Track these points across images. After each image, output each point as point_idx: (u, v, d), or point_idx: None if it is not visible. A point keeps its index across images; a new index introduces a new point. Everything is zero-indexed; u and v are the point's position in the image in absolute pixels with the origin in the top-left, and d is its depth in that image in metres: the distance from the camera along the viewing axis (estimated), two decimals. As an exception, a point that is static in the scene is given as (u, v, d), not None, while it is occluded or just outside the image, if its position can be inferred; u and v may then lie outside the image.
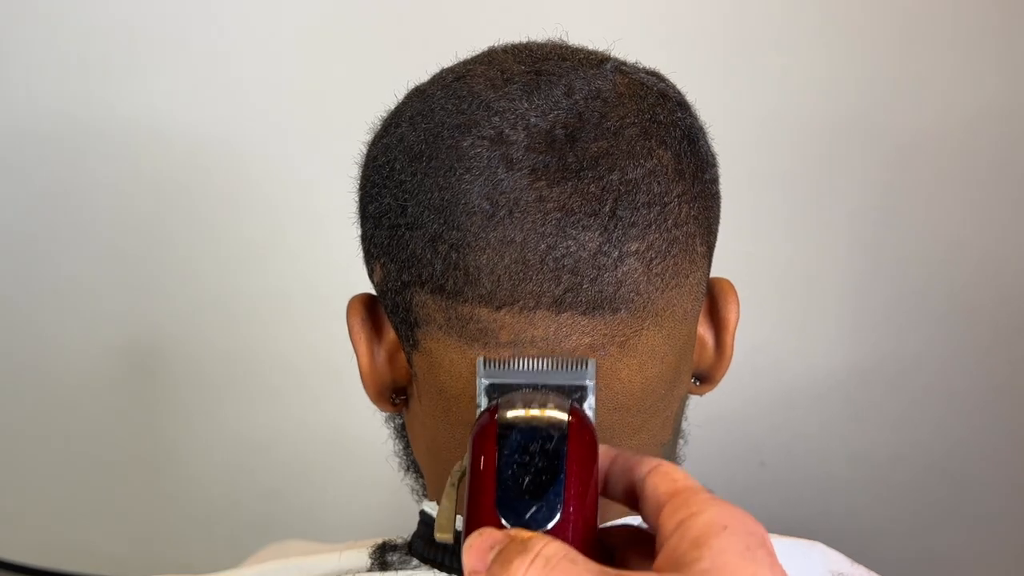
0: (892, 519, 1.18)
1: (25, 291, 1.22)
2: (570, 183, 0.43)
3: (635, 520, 0.43)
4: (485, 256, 0.44)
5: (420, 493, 0.57)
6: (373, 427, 0.62)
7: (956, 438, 1.16)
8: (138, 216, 1.19)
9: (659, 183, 0.45)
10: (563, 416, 0.37)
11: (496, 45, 0.50)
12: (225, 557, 0.73)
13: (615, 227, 0.44)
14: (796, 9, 1.07)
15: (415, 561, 0.50)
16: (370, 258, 0.49)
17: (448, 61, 0.51)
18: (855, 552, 0.56)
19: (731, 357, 0.52)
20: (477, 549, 0.34)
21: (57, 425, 1.26)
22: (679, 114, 0.48)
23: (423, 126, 0.46)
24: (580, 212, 0.43)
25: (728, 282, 0.52)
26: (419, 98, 0.49)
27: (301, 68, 1.14)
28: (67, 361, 1.23)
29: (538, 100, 0.45)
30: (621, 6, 1.09)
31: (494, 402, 0.40)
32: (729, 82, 1.08)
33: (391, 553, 0.51)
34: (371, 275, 0.50)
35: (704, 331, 0.51)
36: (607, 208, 0.43)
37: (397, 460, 0.58)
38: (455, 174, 0.44)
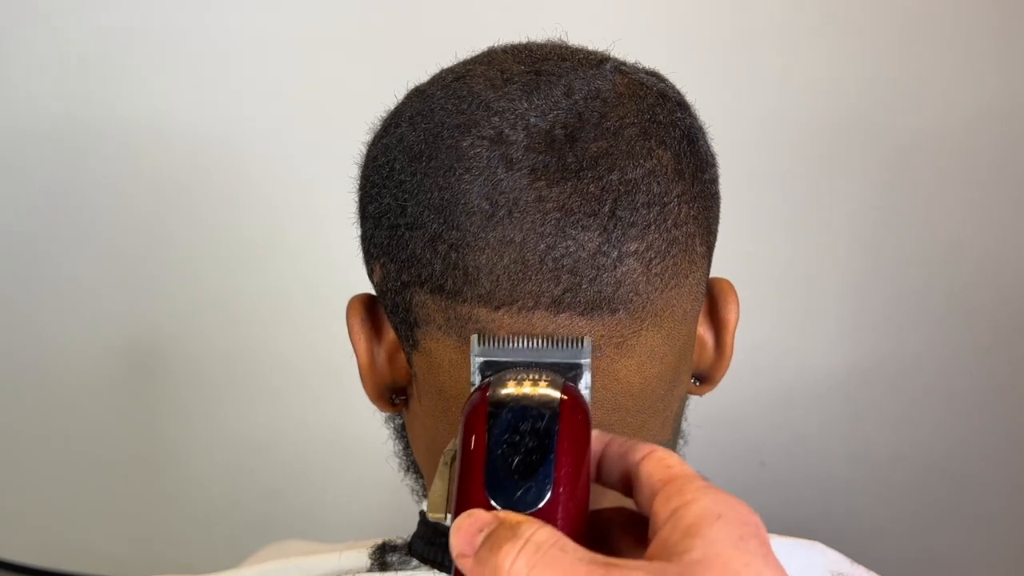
0: (892, 519, 1.18)
1: (25, 291, 1.22)
2: (569, 183, 0.43)
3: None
4: (484, 256, 0.44)
5: (420, 493, 0.57)
6: (373, 427, 0.62)
7: (956, 438, 1.16)
8: (138, 216, 1.19)
9: (659, 183, 0.45)
10: (555, 394, 0.37)
11: (496, 45, 0.50)
12: (225, 557, 0.73)
13: (614, 227, 0.43)
14: (796, 9, 1.07)
15: (415, 562, 0.50)
16: (370, 258, 0.49)
17: (448, 61, 0.51)
18: (855, 552, 0.56)
19: (731, 357, 0.52)
20: (465, 531, 0.33)
21: (57, 425, 1.26)
22: (679, 114, 0.48)
23: (423, 126, 0.46)
24: (579, 212, 0.43)
25: (728, 282, 0.52)
26: (419, 98, 0.49)
27: (301, 68, 1.14)
28: (67, 361, 1.23)
29: (538, 100, 0.45)
30: (621, 6, 1.09)
31: (486, 380, 0.39)
32: (729, 82, 1.08)
33: (391, 553, 0.51)
34: (371, 275, 0.50)
35: (704, 331, 0.51)
36: (606, 208, 0.43)
37: (397, 460, 0.58)
38: (455, 174, 0.44)
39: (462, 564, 0.33)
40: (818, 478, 1.18)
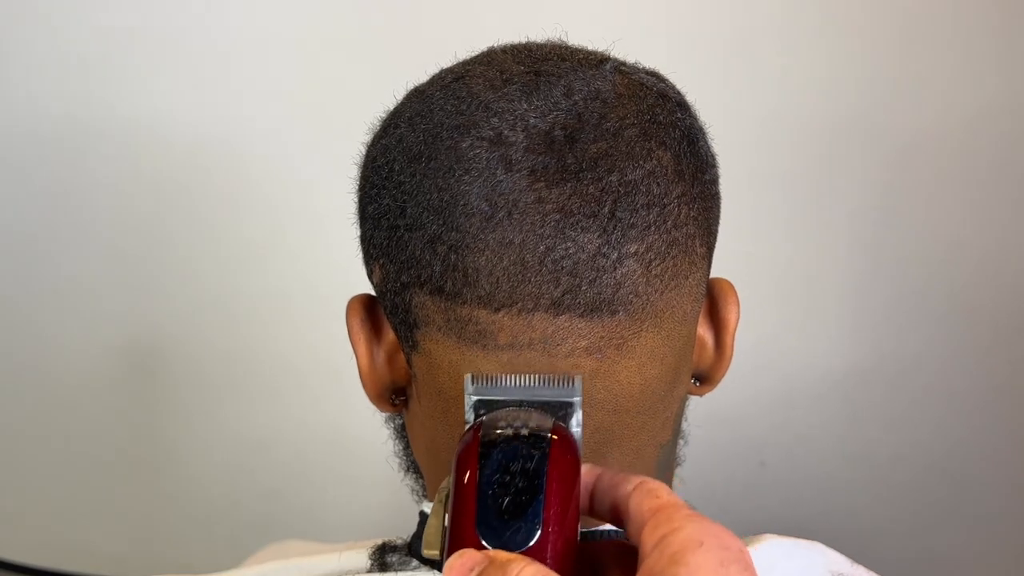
0: (892, 519, 1.18)
1: (25, 291, 1.22)
2: (569, 184, 0.43)
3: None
4: (484, 257, 0.44)
5: (420, 493, 0.57)
6: (373, 427, 0.62)
7: (956, 438, 1.15)
8: (138, 216, 1.19)
9: (659, 184, 0.45)
10: (545, 434, 0.38)
11: (495, 45, 0.50)
12: (225, 557, 0.73)
13: (614, 228, 0.43)
14: (796, 9, 1.07)
15: (415, 562, 0.50)
16: (369, 259, 0.49)
17: (447, 61, 0.51)
18: (855, 552, 0.55)
19: (731, 358, 0.52)
20: (457, 571, 0.34)
21: (57, 425, 1.26)
22: (679, 114, 0.48)
23: (422, 127, 0.46)
24: (579, 213, 0.43)
25: (728, 283, 0.52)
26: (418, 99, 0.49)
27: (301, 68, 1.14)
28: (67, 361, 1.23)
29: (537, 101, 0.45)
30: (621, 6, 1.09)
31: (479, 420, 0.40)
32: (729, 82, 1.08)
33: (391, 554, 0.51)
34: (370, 276, 0.50)
35: (704, 332, 0.51)
36: (606, 209, 0.43)
37: (397, 460, 0.58)
38: (454, 175, 0.44)
39: None
40: (818, 478, 1.18)
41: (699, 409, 0.56)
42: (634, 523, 0.37)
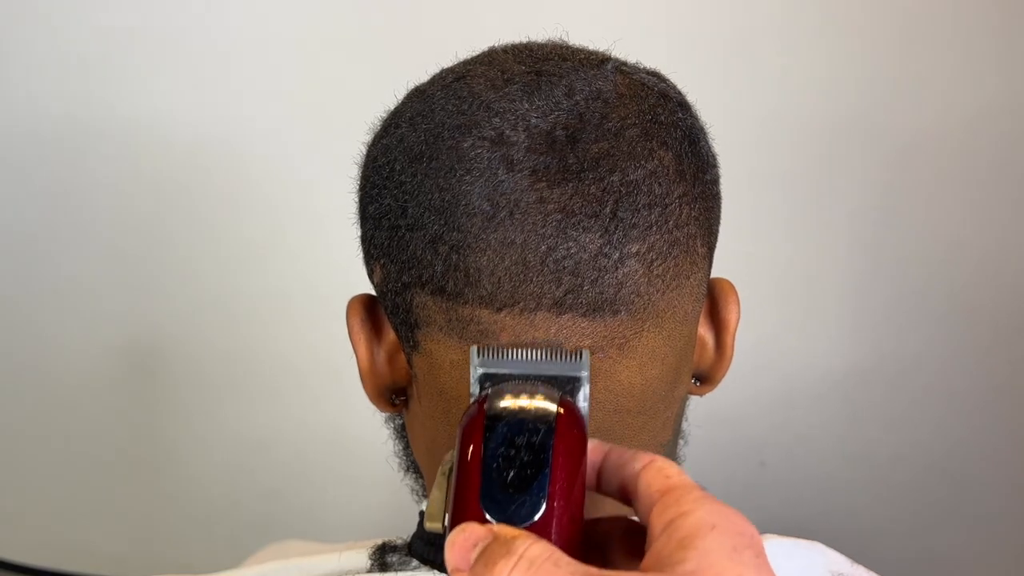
0: (892, 519, 1.18)
1: (25, 291, 1.22)
2: (571, 184, 0.43)
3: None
4: (485, 258, 0.44)
5: (420, 493, 0.57)
6: (373, 427, 0.62)
7: (956, 438, 1.15)
8: (138, 216, 1.19)
9: (660, 184, 0.45)
10: (551, 408, 0.37)
11: (496, 45, 0.50)
12: (225, 557, 0.73)
13: (616, 228, 0.43)
14: (796, 9, 1.07)
15: (415, 562, 0.50)
16: (370, 259, 0.49)
17: (448, 61, 0.51)
18: (855, 552, 0.55)
19: (731, 358, 0.52)
20: (460, 546, 0.33)
21: (57, 425, 1.26)
22: (680, 115, 0.48)
23: (423, 127, 0.46)
24: (581, 213, 0.43)
25: (728, 283, 0.52)
26: (419, 98, 0.49)
27: (301, 68, 1.14)
28: (67, 361, 1.23)
29: (539, 101, 0.45)
30: (621, 6, 1.09)
31: (484, 392, 0.39)
32: (729, 82, 1.08)
33: (391, 554, 0.51)
34: (371, 276, 0.50)
35: (704, 332, 0.51)
36: (608, 209, 0.43)
37: (397, 460, 0.58)
38: (455, 175, 0.44)
39: None
40: (818, 478, 1.18)
41: (699, 409, 0.56)
42: (643, 503, 0.35)
